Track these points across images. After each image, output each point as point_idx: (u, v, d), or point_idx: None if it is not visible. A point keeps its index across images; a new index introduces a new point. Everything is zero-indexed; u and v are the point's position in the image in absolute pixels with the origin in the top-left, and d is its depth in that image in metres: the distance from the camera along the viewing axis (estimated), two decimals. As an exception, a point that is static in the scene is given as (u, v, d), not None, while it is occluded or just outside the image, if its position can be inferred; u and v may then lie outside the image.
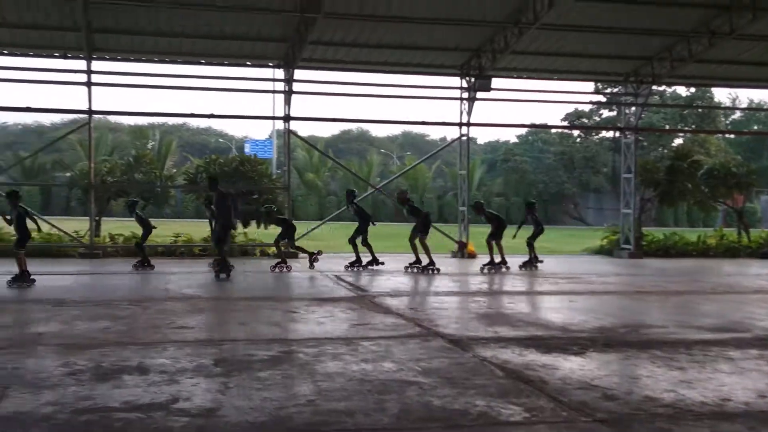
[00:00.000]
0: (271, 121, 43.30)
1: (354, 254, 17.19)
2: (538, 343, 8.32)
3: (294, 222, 17.55)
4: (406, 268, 16.78)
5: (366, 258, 17.13)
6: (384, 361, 7.39)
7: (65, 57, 19.17)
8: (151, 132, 57.19)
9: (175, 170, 38.21)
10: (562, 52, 20.87)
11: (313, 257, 17.01)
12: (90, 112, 19.19)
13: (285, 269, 16.46)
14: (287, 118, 20.21)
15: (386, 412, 5.73)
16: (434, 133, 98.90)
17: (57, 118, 71.60)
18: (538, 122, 54.09)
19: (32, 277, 13.39)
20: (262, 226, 20.97)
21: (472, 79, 21.06)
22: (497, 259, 17.38)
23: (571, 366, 7.22)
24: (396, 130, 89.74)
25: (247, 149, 60.89)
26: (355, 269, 16.87)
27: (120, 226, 22.44)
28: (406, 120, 58.36)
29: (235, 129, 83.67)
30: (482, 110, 63.05)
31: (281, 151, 30.01)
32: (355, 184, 48.80)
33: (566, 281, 15.79)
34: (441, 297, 12.75)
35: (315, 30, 17.83)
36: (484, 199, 25.48)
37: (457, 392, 6.24)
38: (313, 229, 18.40)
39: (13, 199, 13.60)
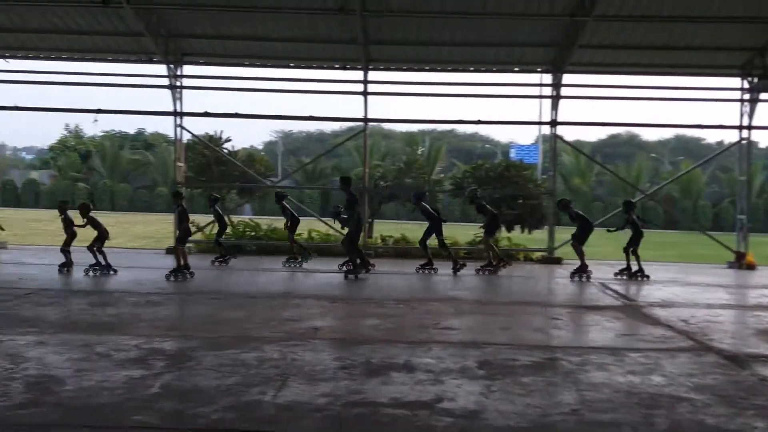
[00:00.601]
0: (537, 126, 42.93)
1: (427, 257, 16.58)
2: (831, 366, 7.50)
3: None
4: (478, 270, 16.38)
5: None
6: (652, 375, 7.03)
7: (344, 68, 20.27)
8: (421, 138, 58.94)
9: (442, 175, 39.05)
10: None
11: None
12: (366, 120, 20.09)
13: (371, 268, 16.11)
14: (554, 123, 19.88)
15: (655, 428, 5.45)
16: (710, 137, 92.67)
17: (336, 126, 76.11)
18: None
19: (192, 270, 14.44)
20: (526, 231, 20.82)
21: (755, 80, 19.44)
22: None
23: None
24: (668, 133, 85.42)
25: (513, 154, 60.83)
26: (426, 271, 16.30)
27: (391, 228, 23.34)
28: (679, 123, 55.19)
29: (500, 134, 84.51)
30: (765, 112, 58.08)
31: (547, 156, 29.62)
32: (623, 189, 47.37)
33: None
34: (715, 310, 11.87)
35: (585, 33, 17.43)
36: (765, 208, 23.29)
37: (733, 412, 5.80)
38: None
39: (176, 199, 15.01)
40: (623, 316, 10.93)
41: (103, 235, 14.79)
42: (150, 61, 20.04)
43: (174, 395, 6.05)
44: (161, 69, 19.84)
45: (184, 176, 21.37)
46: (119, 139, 69.13)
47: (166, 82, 19.86)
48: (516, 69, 20.61)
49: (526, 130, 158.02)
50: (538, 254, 20.00)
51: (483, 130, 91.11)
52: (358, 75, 19.82)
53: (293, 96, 24.21)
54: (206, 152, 23.28)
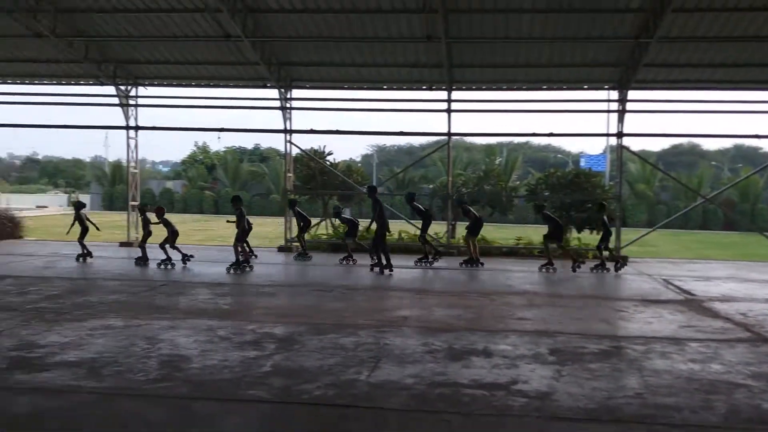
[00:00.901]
0: (604, 137, 41.89)
1: (424, 252, 16.84)
2: None
3: (481, 221, 17.26)
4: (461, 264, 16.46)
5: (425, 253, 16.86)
6: (712, 363, 6.77)
7: (430, 89, 20.23)
8: (498, 150, 58.30)
9: (518, 182, 38.61)
10: None
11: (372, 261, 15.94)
12: (449, 134, 20.02)
13: (351, 262, 16.39)
14: (620, 135, 19.34)
15: (714, 411, 5.25)
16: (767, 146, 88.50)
17: (423, 140, 76.45)
18: None
19: (251, 264, 14.99)
20: (594, 232, 20.31)
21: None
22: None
23: None
24: (727, 143, 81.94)
25: (583, 163, 59.55)
26: (423, 264, 16.45)
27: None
28: (738, 133, 52.91)
29: (571, 145, 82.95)
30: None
31: (614, 165, 28.84)
32: (684, 194, 45.82)
33: None
34: (774, 305, 11.31)
35: (649, 54, 16.91)
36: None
37: (790, 399, 5.53)
38: (642, 236, 17.49)
39: (236, 204, 15.12)
40: (685, 309, 10.55)
41: (173, 235, 15.24)
42: (264, 86, 20.51)
43: (283, 373, 6.17)
44: (274, 93, 20.28)
45: (293, 185, 21.80)
46: (239, 153, 70.87)
47: (278, 104, 20.27)
48: (585, 87, 20.17)
49: (594, 141, 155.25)
50: (605, 253, 19.47)
51: (555, 141, 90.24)
52: (443, 95, 19.77)
53: (386, 114, 24.41)
54: (311, 164, 23.66)
